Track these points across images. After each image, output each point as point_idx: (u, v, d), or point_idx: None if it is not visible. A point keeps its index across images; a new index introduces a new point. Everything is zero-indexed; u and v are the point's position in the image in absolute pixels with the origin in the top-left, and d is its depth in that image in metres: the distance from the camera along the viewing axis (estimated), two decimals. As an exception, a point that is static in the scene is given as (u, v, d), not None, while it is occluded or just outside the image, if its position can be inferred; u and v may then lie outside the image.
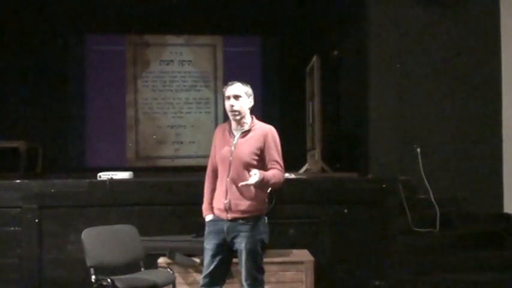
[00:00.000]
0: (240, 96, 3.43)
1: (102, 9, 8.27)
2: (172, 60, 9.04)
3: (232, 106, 3.42)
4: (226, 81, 3.68)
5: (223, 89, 3.53)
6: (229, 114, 3.46)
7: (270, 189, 3.50)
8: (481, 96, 6.10)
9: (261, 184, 3.30)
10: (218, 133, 3.55)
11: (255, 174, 3.23)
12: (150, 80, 8.97)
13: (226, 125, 3.56)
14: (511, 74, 6.05)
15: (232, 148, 3.42)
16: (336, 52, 7.58)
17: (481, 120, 6.06)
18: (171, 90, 9.02)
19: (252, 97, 3.50)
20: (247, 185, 3.25)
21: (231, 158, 3.39)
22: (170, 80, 9.02)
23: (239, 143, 3.42)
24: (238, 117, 3.44)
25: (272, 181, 3.36)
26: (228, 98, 3.44)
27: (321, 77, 6.76)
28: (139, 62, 8.95)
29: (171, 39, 9.08)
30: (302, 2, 8.54)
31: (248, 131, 3.45)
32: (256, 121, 3.52)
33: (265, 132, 3.45)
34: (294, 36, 8.60)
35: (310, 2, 8.40)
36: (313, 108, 6.92)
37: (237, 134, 3.46)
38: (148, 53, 9.00)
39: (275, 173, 3.38)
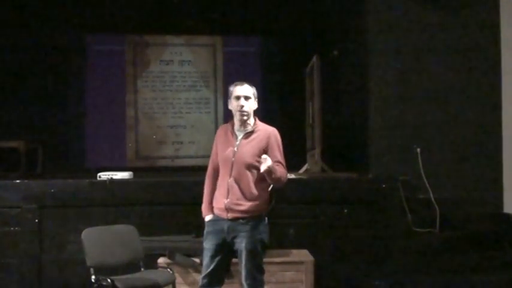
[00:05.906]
0: (249, 97, 3.45)
1: (102, 9, 8.27)
2: (172, 60, 9.03)
3: (242, 107, 3.42)
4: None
5: (231, 88, 3.50)
6: (237, 114, 3.45)
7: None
8: (481, 96, 6.10)
9: (268, 172, 3.28)
10: (220, 133, 3.55)
11: (265, 158, 3.24)
12: (150, 80, 8.96)
13: (228, 125, 3.55)
14: (511, 75, 6.04)
15: (235, 149, 3.41)
16: (336, 52, 7.58)
17: (481, 120, 6.06)
18: (171, 90, 9.01)
19: (257, 99, 3.52)
20: (265, 168, 3.23)
21: (233, 159, 3.39)
22: (170, 80, 9.01)
23: (242, 144, 3.42)
24: (245, 118, 3.45)
25: (278, 174, 3.34)
26: (238, 98, 3.44)
27: (321, 77, 6.76)
28: (139, 62, 8.94)
29: (170, 39, 9.07)
30: (302, 2, 8.53)
31: (251, 132, 3.45)
32: (259, 122, 3.52)
33: (268, 133, 3.46)
34: (294, 36, 8.58)
35: (310, 2, 8.39)
36: (313, 108, 6.92)
37: (240, 135, 3.46)
38: (148, 53, 9.00)
39: (279, 169, 3.39)
